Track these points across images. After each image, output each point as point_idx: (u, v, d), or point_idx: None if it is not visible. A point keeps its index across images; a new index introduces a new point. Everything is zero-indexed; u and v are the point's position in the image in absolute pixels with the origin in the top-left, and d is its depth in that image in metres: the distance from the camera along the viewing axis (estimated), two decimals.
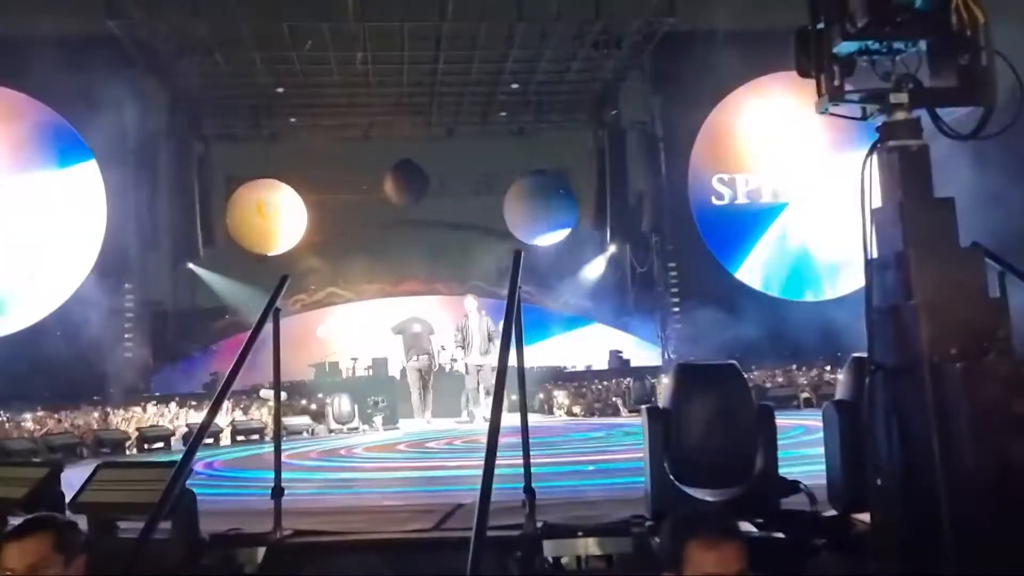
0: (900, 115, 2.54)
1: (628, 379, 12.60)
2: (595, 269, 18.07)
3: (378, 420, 10.84)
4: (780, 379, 12.98)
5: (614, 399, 12.29)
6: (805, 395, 11.83)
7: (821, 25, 2.61)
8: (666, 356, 16.05)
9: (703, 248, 15.70)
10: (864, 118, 2.64)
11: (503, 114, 17.98)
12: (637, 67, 16.11)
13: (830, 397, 10.07)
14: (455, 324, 11.80)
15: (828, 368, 12.91)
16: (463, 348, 11.53)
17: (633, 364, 15.67)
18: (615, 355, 16.08)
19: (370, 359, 14.69)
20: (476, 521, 2.67)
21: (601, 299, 17.72)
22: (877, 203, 2.67)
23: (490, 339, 11.14)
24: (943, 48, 2.55)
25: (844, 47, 2.57)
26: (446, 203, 18.41)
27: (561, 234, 17.90)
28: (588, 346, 16.94)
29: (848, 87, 2.64)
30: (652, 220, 16.68)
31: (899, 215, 2.51)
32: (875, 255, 2.59)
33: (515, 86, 16.62)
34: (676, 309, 16.45)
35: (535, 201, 17.67)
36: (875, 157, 2.58)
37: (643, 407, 3.39)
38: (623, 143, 17.32)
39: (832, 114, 2.59)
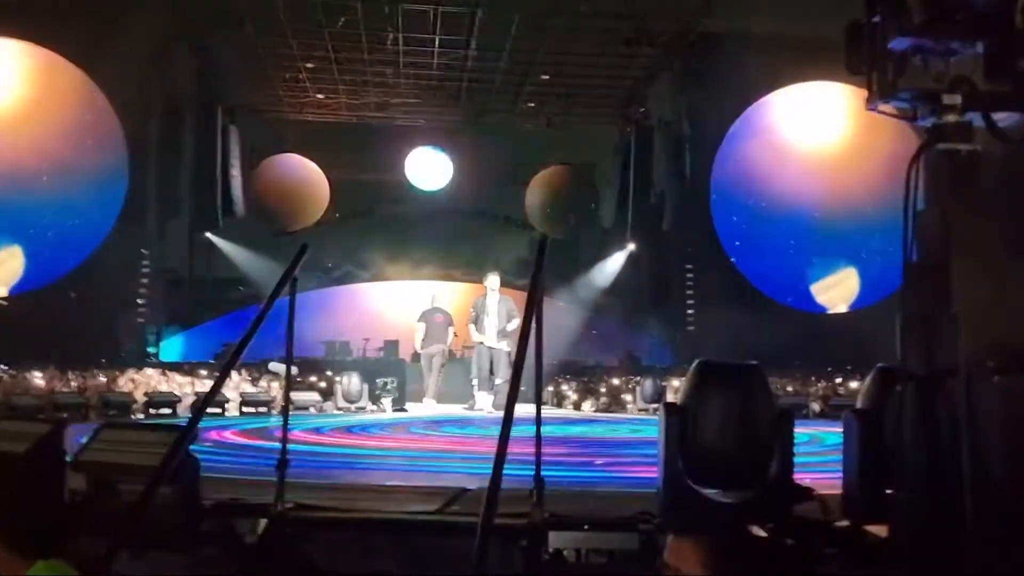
0: (951, 117, 2.44)
1: (639, 377, 12.52)
2: (613, 266, 17.97)
3: (387, 402, 10.81)
4: (790, 388, 12.87)
5: (624, 396, 12.23)
6: (816, 406, 11.74)
7: (876, 19, 2.52)
8: (678, 357, 15.96)
9: (721, 252, 15.56)
10: (914, 119, 2.55)
11: (531, 104, 17.87)
12: (668, 66, 15.98)
13: (840, 409, 10.02)
14: (472, 302, 11.90)
15: (840, 380, 12.80)
16: (475, 325, 11.52)
17: (645, 363, 15.60)
18: (627, 352, 16.00)
19: (382, 341, 14.71)
20: (484, 506, 2.61)
21: (617, 296, 17.64)
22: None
23: (508, 320, 11.18)
24: (1001, 51, 2.45)
25: (899, 43, 2.48)
26: (468, 190, 18.35)
27: (582, 228, 17.82)
28: (600, 342, 16.86)
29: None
30: (673, 220, 16.56)
31: (943, 221, 2.42)
32: (915, 260, 2.50)
33: (545, 77, 16.51)
34: (691, 312, 16.36)
35: (558, 193, 17.59)
36: (922, 159, 2.48)
37: (660, 403, 3.31)
38: (649, 142, 17.19)
39: (882, 112, 2.50)
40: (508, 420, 2.99)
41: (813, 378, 13.53)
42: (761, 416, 3.33)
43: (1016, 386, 2.33)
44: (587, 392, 12.67)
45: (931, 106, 2.47)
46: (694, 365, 3.38)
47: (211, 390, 3.63)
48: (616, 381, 13.13)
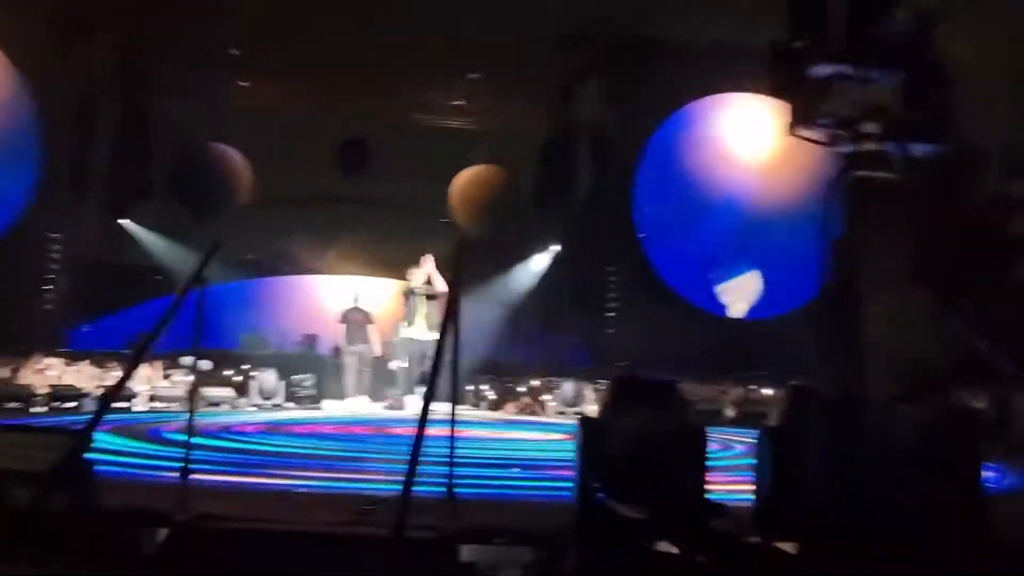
0: (869, 145, 2.48)
1: (559, 379, 12.57)
2: (535, 266, 18.01)
3: (302, 398, 10.59)
4: (705, 394, 13.09)
5: (543, 398, 12.27)
6: (729, 412, 11.98)
7: (798, 44, 2.54)
8: (597, 360, 16.08)
9: (642, 256, 15.75)
10: (832, 145, 2.58)
11: (460, 102, 17.76)
12: (597, 69, 16.07)
13: (754, 416, 10.21)
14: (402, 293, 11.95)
15: (755, 387, 13.09)
16: (406, 321, 11.46)
17: (565, 365, 15.67)
18: (548, 354, 16.05)
19: (299, 335, 14.45)
20: (396, 518, 2.55)
21: (538, 297, 17.68)
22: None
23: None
24: (919, 81, 2.49)
25: (820, 69, 2.50)
26: (393, 185, 18.12)
27: (505, 228, 17.78)
28: (521, 342, 16.88)
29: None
30: (596, 224, 16.68)
31: (857, 247, 2.45)
32: (829, 283, 2.53)
33: (475, 76, 16.43)
34: (611, 314, 16.51)
35: (482, 193, 17.52)
36: (839, 186, 2.51)
37: (578, 418, 3.29)
38: (575, 145, 17.27)
39: (801, 137, 2.52)
40: (423, 424, 2.93)
41: (728, 384, 13.81)
42: (676, 433, 3.34)
43: (925, 409, 2.38)
44: (506, 393, 12.66)
45: (849, 133, 2.50)
46: (612, 380, 3.38)
47: (113, 389, 3.46)
48: (536, 383, 13.16)
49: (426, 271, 11.81)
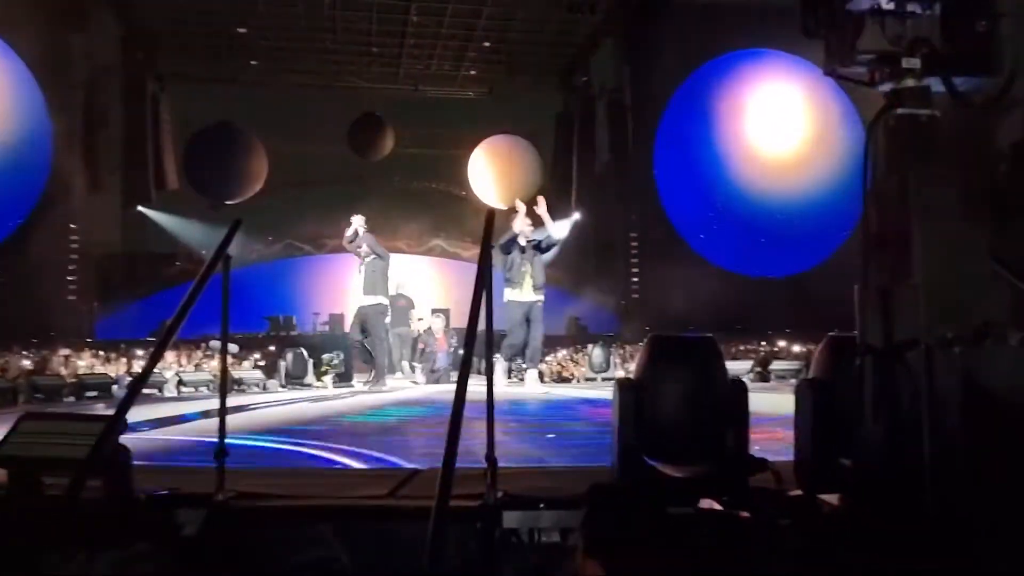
0: (910, 81, 2.37)
1: (589, 345, 12.49)
2: (557, 235, 17.89)
3: (328, 379, 10.56)
4: (732, 351, 13.03)
5: (572, 365, 12.23)
6: (758, 369, 11.91)
7: None
8: (623, 325, 16.03)
9: (665, 219, 15.63)
10: (871, 83, 2.47)
11: (473, 72, 17.61)
12: (611, 33, 15.87)
13: (779, 374, 10.08)
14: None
15: (782, 345, 13.03)
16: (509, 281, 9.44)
17: (591, 331, 15.64)
18: (574, 321, 16.02)
19: (327, 315, 14.49)
20: (439, 489, 2.50)
21: (561, 265, 17.61)
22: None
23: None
24: (960, 12, 2.38)
25: (857, 4, 2.39)
26: (410, 160, 18.06)
27: (525, 197, 17.65)
28: (545, 311, 16.82)
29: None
30: (617, 189, 16.55)
31: (902, 189, 2.36)
32: (873, 229, 2.44)
33: (487, 44, 16.27)
34: (635, 279, 16.42)
35: (500, 162, 17.41)
36: (881, 125, 2.41)
37: (607, 370, 3.23)
38: (592, 110, 17.10)
39: (840, 76, 2.41)
40: (460, 397, 2.88)
41: (752, 343, 13.75)
42: (715, 388, 3.27)
43: (976, 357, 2.29)
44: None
45: (889, 70, 2.40)
46: (647, 339, 3.30)
47: (141, 375, 3.43)
48: (564, 351, 13.13)
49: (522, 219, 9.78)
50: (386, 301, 10.49)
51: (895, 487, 2.61)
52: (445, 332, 12.11)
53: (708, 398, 3.21)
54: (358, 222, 10.57)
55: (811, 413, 3.13)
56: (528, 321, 9.26)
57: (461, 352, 11.73)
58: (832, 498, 3.18)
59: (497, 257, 9.13)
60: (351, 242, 10.57)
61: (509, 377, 10.14)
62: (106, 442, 3.02)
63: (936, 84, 2.37)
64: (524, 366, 9.72)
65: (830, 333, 3.28)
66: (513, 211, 9.94)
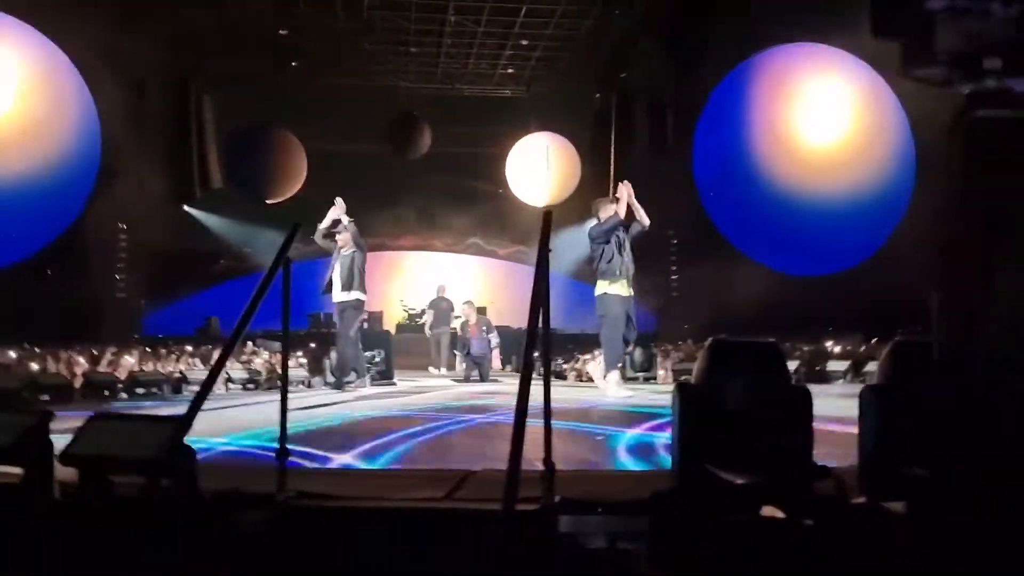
0: (991, 82, 2.32)
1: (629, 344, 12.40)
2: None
3: (366, 378, 10.57)
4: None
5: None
6: (803, 369, 11.76)
7: None
8: (663, 323, 15.93)
9: (705, 218, 15.50)
10: (948, 84, 2.42)
11: (510, 70, 17.61)
12: (650, 29, 15.75)
13: (826, 375, 9.91)
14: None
15: (830, 344, 12.88)
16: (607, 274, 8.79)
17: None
18: None
19: (366, 312, 14.58)
20: (505, 493, 2.50)
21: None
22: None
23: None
24: None
25: (933, 3, 2.34)
26: (447, 158, 18.11)
27: (562, 195, 17.64)
28: (582, 309, 16.78)
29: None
30: (655, 186, 16.44)
31: (983, 194, 2.31)
32: (952, 235, 2.39)
33: (524, 42, 16.25)
34: (674, 277, 16.32)
35: (538, 160, 17.38)
36: (960, 129, 2.36)
37: (676, 381, 3.21)
38: (631, 107, 17.01)
39: (916, 78, 2.37)
40: (523, 398, 2.86)
41: (797, 341, 13.57)
42: (778, 394, 3.24)
43: None
44: (573, 361, 12.60)
45: (968, 71, 2.35)
46: (708, 343, 3.28)
47: (206, 382, 3.47)
48: (599, 350, 13.05)
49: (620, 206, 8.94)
50: (364, 297, 9.72)
51: (972, 498, 2.56)
52: (476, 321, 12.37)
53: (771, 404, 3.18)
54: (341, 208, 9.74)
55: (878, 419, 3.09)
56: (628, 317, 8.56)
57: (490, 337, 11.77)
58: (898, 506, 3.14)
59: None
60: (330, 230, 9.64)
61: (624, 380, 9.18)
62: (176, 442, 3.07)
63: (1019, 85, 2.32)
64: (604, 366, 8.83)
65: (897, 338, 3.23)
66: (615, 197, 9.08)
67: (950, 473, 2.88)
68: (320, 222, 9.56)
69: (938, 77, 2.40)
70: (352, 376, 9.57)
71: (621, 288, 8.53)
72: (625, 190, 8.81)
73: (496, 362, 11.91)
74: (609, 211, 8.73)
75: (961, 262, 2.35)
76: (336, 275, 9.54)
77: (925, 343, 2.98)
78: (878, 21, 2.49)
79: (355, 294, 9.51)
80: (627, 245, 8.73)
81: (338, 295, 9.50)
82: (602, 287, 8.55)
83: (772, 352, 3.27)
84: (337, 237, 9.62)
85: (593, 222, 8.80)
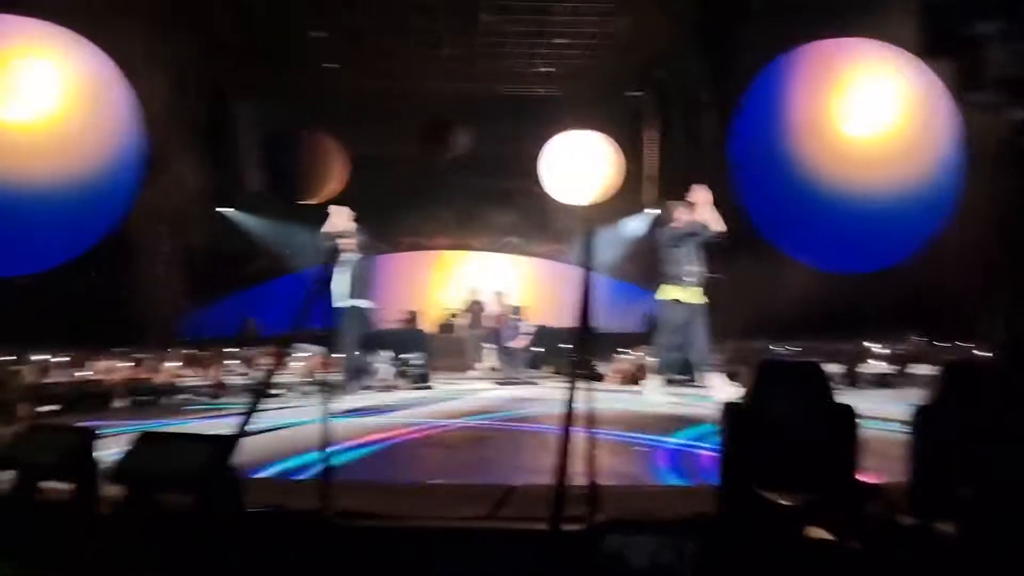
0: None
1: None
2: (633, 231, 17.79)
3: (408, 380, 10.55)
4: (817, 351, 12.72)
5: (644, 366, 12.08)
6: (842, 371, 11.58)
7: None
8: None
9: (745, 215, 15.33)
10: (1000, 108, 2.37)
11: (544, 69, 17.55)
12: (687, 24, 15.62)
13: (867, 376, 9.70)
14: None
15: (871, 345, 12.69)
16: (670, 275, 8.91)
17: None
18: (650, 320, 15.86)
19: (401, 312, 14.68)
20: (551, 513, 2.51)
21: (638, 262, 17.47)
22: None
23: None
24: None
25: (984, 26, 2.29)
26: (482, 158, 18.11)
27: (599, 194, 17.56)
28: (619, 309, 16.72)
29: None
30: (693, 184, 16.31)
31: None
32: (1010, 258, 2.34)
33: (558, 40, 16.19)
34: (713, 275, 16.15)
35: (574, 159, 17.32)
36: (1011, 154, 2.31)
37: (723, 403, 3.18)
38: (667, 104, 16.90)
39: (971, 103, 2.31)
40: (570, 413, 2.84)
41: (837, 341, 13.37)
42: (823, 414, 3.20)
43: None
44: (609, 363, 12.53)
45: (1021, 96, 2.29)
46: (757, 364, 3.25)
47: (263, 383, 3.50)
48: (639, 351, 12.97)
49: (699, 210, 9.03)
50: (371, 304, 9.50)
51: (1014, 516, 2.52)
52: (503, 314, 12.39)
53: (817, 424, 3.15)
54: (347, 217, 9.60)
55: (929, 440, 3.04)
56: (690, 325, 8.34)
57: (519, 323, 11.65)
58: (948, 527, 3.09)
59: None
60: (338, 235, 9.35)
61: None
62: (223, 463, 3.11)
63: None
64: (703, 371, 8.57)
65: (948, 360, 3.18)
66: (688, 202, 8.88)
67: (1001, 495, 2.84)
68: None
69: (990, 101, 2.35)
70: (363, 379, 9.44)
71: (684, 295, 8.35)
72: (702, 195, 8.69)
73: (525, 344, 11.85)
74: (683, 216, 8.63)
75: (1013, 288, 2.30)
76: (340, 283, 9.11)
77: (977, 363, 2.93)
78: (927, 43, 2.44)
79: (359, 302, 9.24)
80: (698, 252, 8.63)
81: (343, 300, 9.12)
82: (661, 293, 8.45)
83: (817, 372, 3.23)
84: (342, 242, 9.29)
85: (659, 218, 8.60)
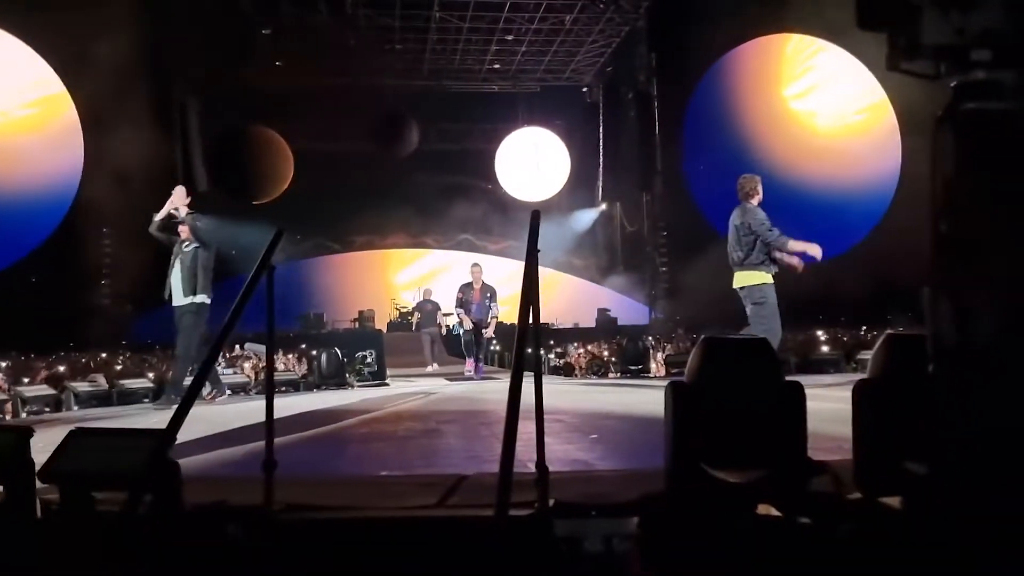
0: (980, 74, 2.27)
1: (620, 339, 12.43)
2: (584, 226, 17.85)
3: (361, 377, 10.49)
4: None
5: (603, 359, 12.16)
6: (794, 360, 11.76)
7: None
8: (653, 315, 15.91)
9: (694, 209, 15.49)
10: (936, 76, 2.37)
11: (496, 66, 17.53)
12: (634, 22, 15.72)
13: (815, 365, 9.78)
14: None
15: (820, 334, 12.88)
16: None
17: (620, 323, 15.55)
18: (603, 313, 15.95)
19: (355, 311, 14.55)
20: (498, 499, 2.46)
21: (589, 256, 17.55)
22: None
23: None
24: None
25: None
26: (435, 155, 18.03)
27: (552, 189, 17.60)
28: (573, 303, 16.77)
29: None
30: (644, 179, 16.43)
31: (974, 188, 2.26)
32: (944, 230, 2.34)
33: (510, 37, 16.18)
34: (664, 269, 16.30)
35: (527, 155, 17.34)
36: (950, 121, 2.31)
37: (668, 381, 3.17)
38: (617, 100, 16.99)
39: (904, 71, 2.31)
40: (515, 400, 2.81)
41: (786, 331, 13.51)
42: (771, 390, 3.19)
43: None
44: (563, 356, 12.57)
45: (956, 63, 2.29)
46: (699, 341, 3.23)
47: (195, 381, 3.41)
48: (592, 344, 13.05)
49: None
50: (207, 301, 8.14)
51: (969, 493, 2.53)
52: (481, 287, 12.15)
53: (764, 400, 3.14)
54: (180, 197, 8.36)
55: (872, 414, 3.05)
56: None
57: (491, 305, 11.62)
58: (894, 502, 3.11)
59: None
60: (168, 222, 8.25)
61: None
62: (159, 457, 3.01)
63: (1009, 77, 2.27)
64: None
65: (889, 332, 3.19)
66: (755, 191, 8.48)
67: (946, 468, 2.86)
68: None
69: (925, 70, 2.35)
70: (207, 387, 8.14)
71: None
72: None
73: (490, 332, 11.62)
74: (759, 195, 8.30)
75: (951, 256, 2.30)
76: (175, 276, 8.11)
77: (917, 336, 2.94)
78: (863, 13, 2.43)
79: (196, 298, 8.03)
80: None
81: (177, 299, 8.07)
82: (761, 277, 8.05)
83: (763, 348, 3.23)
84: (179, 229, 8.17)
85: (752, 204, 8.35)
